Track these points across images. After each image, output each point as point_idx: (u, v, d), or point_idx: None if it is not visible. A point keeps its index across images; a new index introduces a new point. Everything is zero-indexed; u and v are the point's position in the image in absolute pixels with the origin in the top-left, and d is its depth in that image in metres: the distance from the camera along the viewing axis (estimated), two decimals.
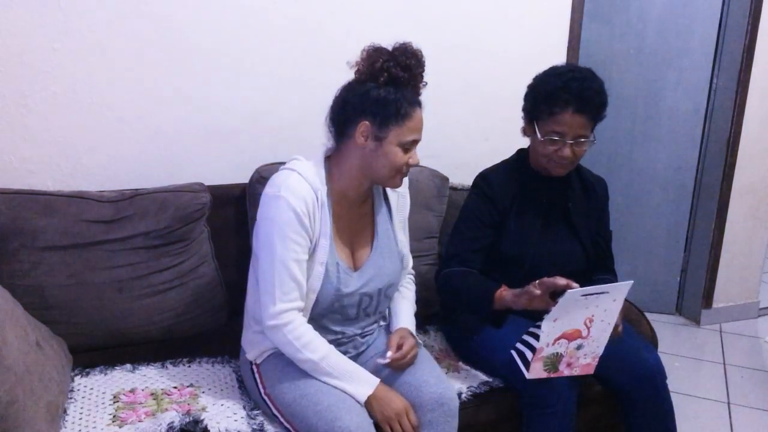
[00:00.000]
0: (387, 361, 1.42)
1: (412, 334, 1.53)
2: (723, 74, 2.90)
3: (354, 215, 1.50)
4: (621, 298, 1.42)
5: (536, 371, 1.46)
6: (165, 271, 1.67)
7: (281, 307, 1.35)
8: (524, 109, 1.69)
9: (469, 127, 2.33)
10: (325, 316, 1.45)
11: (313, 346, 1.37)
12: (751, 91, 2.84)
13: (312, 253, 1.39)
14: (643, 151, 3.05)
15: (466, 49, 2.25)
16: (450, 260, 1.68)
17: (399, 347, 1.45)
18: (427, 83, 1.44)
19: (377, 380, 1.38)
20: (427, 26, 2.16)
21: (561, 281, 1.39)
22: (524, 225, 1.69)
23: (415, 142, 1.41)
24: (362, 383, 1.37)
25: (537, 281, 1.43)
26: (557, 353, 1.45)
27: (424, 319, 1.95)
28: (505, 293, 1.52)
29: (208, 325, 1.76)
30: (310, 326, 1.39)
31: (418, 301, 1.81)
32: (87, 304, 1.59)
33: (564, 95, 1.55)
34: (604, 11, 2.91)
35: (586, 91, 1.56)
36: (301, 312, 1.40)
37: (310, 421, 1.30)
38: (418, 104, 1.40)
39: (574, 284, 1.38)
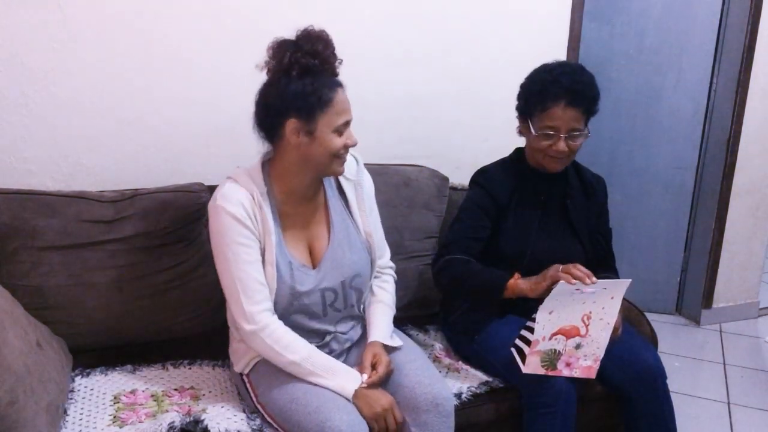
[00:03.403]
0: (364, 385, 1.37)
1: (385, 345, 1.48)
2: (723, 74, 2.90)
3: (306, 211, 1.48)
4: (619, 296, 1.42)
5: (532, 366, 1.46)
6: (165, 271, 1.67)
7: (250, 310, 1.35)
8: (518, 108, 1.69)
9: (469, 128, 2.33)
10: (289, 316, 1.43)
11: (293, 348, 1.36)
12: (751, 91, 2.84)
13: (262, 254, 1.39)
14: (643, 151, 3.05)
15: (465, 49, 2.24)
16: (449, 246, 1.66)
17: (373, 366, 1.41)
18: (342, 60, 1.39)
19: (360, 376, 1.38)
20: (427, 27, 2.16)
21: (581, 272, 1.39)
22: (522, 222, 1.69)
23: (347, 123, 1.38)
24: (348, 378, 1.36)
25: (561, 266, 1.43)
26: (555, 350, 1.45)
27: (424, 319, 1.95)
28: (519, 281, 1.51)
29: (208, 326, 1.76)
30: (288, 329, 1.39)
31: (417, 301, 1.81)
32: (87, 304, 1.59)
33: (555, 89, 1.57)
34: (604, 11, 2.91)
35: (577, 84, 1.57)
36: (275, 314, 1.39)
37: (302, 425, 1.29)
38: (338, 85, 1.37)
39: (594, 278, 1.38)
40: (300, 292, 1.41)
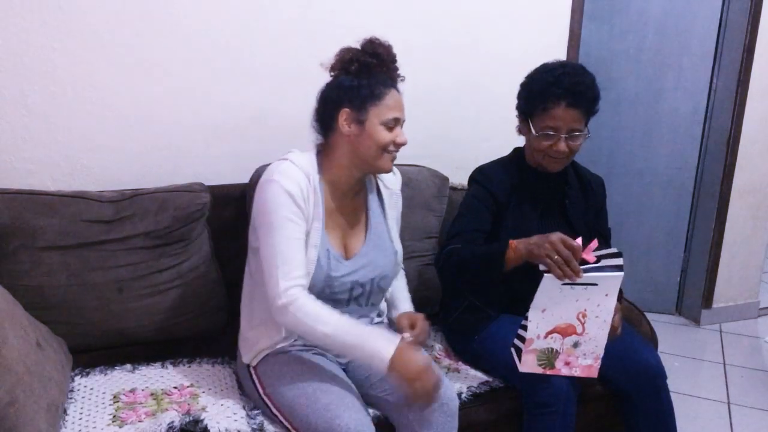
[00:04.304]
0: (410, 339, 1.46)
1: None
2: (723, 74, 2.90)
3: (346, 207, 1.52)
4: (613, 292, 1.41)
5: (529, 365, 1.45)
6: (165, 271, 1.67)
7: (284, 285, 1.35)
8: (518, 108, 1.70)
9: (469, 127, 2.33)
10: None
11: (324, 319, 1.34)
12: (751, 91, 2.84)
13: (306, 236, 1.41)
14: (643, 151, 3.05)
15: (466, 49, 2.25)
16: (451, 239, 1.65)
17: (411, 328, 1.52)
18: (404, 78, 1.48)
19: (398, 336, 1.37)
20: (427, 26, 2.16)
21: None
22: (521, 221, 1.69)
23: (398, 120, 1.45)
24: (384, 340, 1.33)
25: (561, 240, 1.38)
26: (551, 349, 1.45)
27: None
28: (519, 246, 1.46)
29: (208, 326, 1.76)
30: (317, 301, 1.37)
31: (417, 300, 1.81)
32: (87, 304, 1.59)
33: (556, 90, 1.57)
34: (604, 11, 2.92)
35: (578, 86, 1.57)
36: (306, 290, 1.39)
37: (309, 420, 1.30)
38: (393, 87, 1.45)
39: (581, 274, 1.36)
40: (333, 277, 1.44)
